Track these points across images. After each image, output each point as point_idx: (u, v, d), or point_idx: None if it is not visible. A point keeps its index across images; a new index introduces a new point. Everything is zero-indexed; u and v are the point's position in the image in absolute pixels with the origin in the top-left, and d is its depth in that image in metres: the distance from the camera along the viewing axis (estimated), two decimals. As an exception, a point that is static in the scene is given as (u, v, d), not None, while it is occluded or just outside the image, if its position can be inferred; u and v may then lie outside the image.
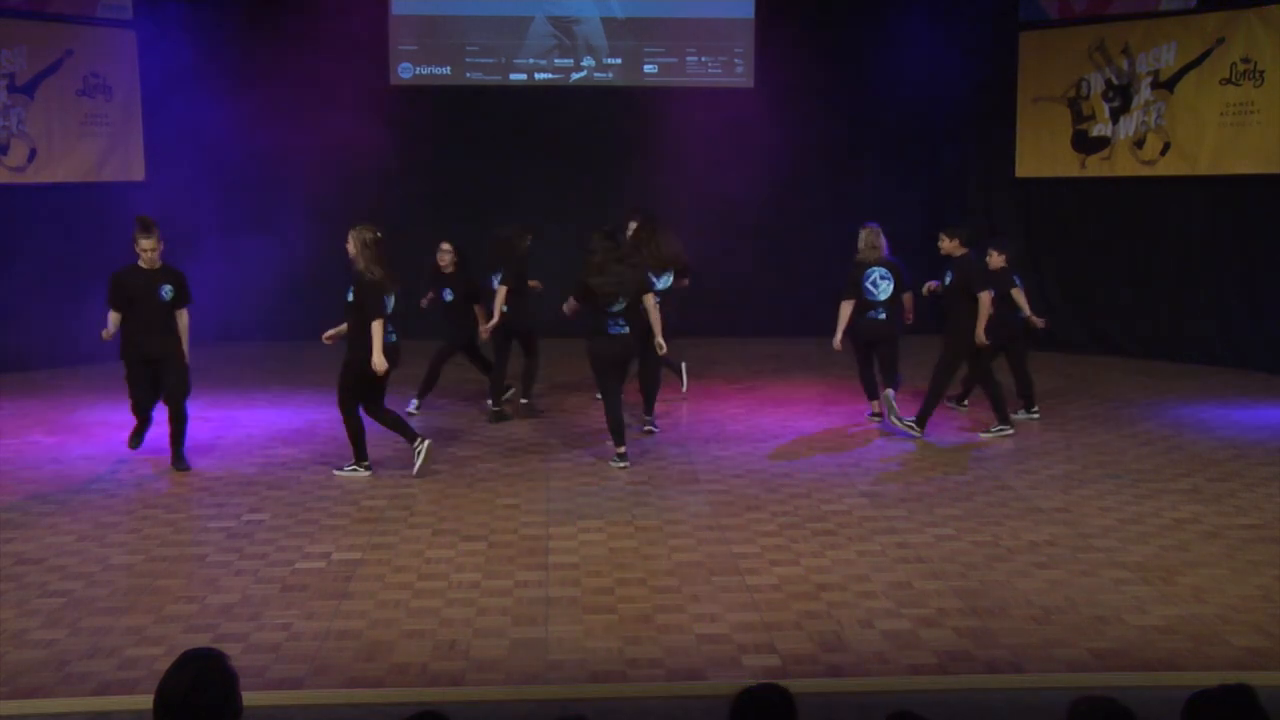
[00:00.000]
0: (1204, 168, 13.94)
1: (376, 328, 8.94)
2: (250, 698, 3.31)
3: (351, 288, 9.05)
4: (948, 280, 10.60)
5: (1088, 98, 14.73)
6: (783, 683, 3.53)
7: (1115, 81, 14.53)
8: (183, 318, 9.37)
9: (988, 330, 10.41)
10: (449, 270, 11.12)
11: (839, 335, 10.78)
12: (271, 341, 14.96)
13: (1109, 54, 14.54)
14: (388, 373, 9.04)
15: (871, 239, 10.91)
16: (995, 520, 8.15)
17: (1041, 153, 15.16)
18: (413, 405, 11.29)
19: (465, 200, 15.30)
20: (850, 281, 10.85)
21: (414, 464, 9.27)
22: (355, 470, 9.31)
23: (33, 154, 13.94)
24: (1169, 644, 6.13)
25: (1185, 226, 14.35)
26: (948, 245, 10.60)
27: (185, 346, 9.38)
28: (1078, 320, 15.12)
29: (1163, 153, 14.22)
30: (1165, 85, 14.13)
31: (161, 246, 9.25)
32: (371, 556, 7.47)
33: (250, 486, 8.93)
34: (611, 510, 8.46)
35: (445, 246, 11.15)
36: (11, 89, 13.74)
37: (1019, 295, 11.03)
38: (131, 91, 14.60)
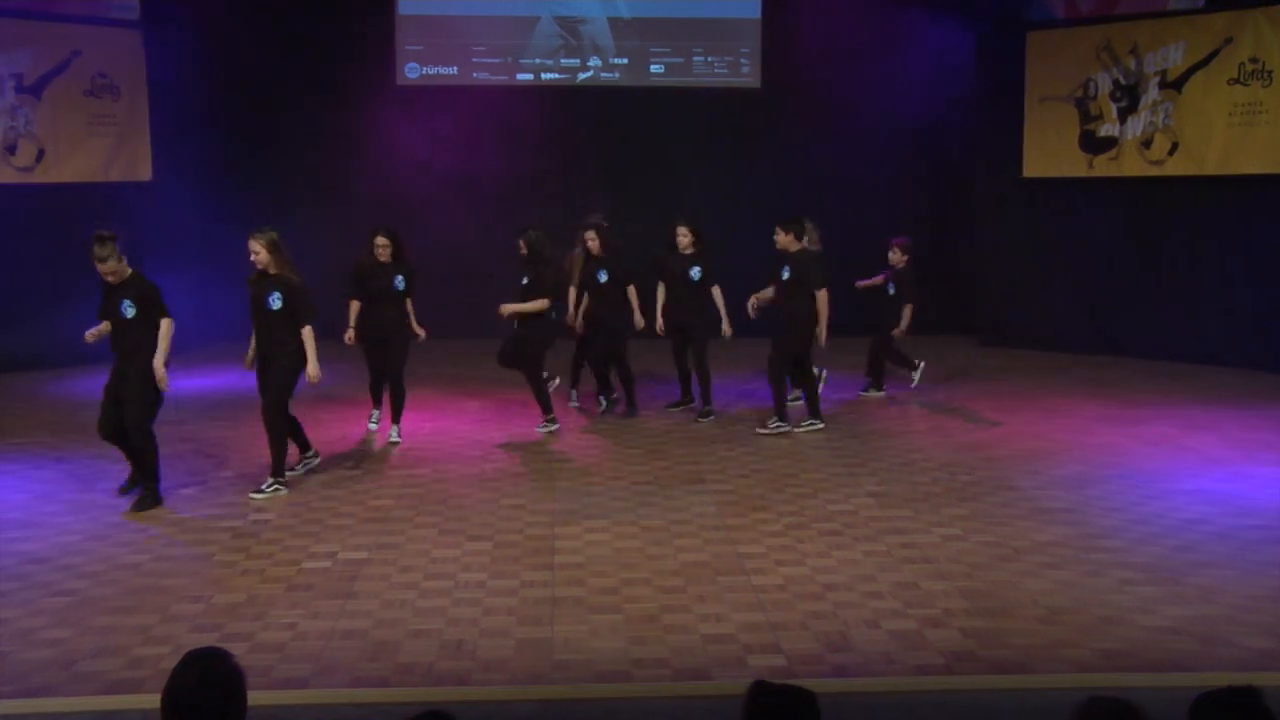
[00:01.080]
0: (1212, 168, 13.91)
1: (308, 333, 8.76)
2: (255, 697, 3.31)
3: (279, 293, 8.74)
4: (785, 276, 10.57)
5: (1095, 98, 14.71)
6: (791, 682, 3.52)
7: (1123, 81, 14.51)
8: (164, 330, 8.41)
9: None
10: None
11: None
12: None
13: (1116, 54, 14.51)
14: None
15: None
16: (1002, 521, 8.14)
17: (1049, 153, 15.13)
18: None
19: (471, 200, 15.31)
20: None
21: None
22: (308, 460, 9.37)
23: (40, 154, 13.99)
24: (1177, 645, 6.11)
25: (1195, 226, 14.33)
26: (784, 240, 10.61)
27: (159, 356, 8.39)
28: (1085, 320, 15.09)
29: (1171, 153, 14.20)
30: (1173, 85, 14.10)
31: (121, 259, 8.33)
32: (377, 556, 7.47)
33: (255, 486, 8.92)
34: (617, 510, 8.46)
35: (590, 234, 11.20)
36: (19, 89, 13.78)
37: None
38: (138, 92, 14.64)
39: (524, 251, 10.55)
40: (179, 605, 6.65)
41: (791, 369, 10.86)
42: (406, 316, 10.41)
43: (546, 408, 10.68)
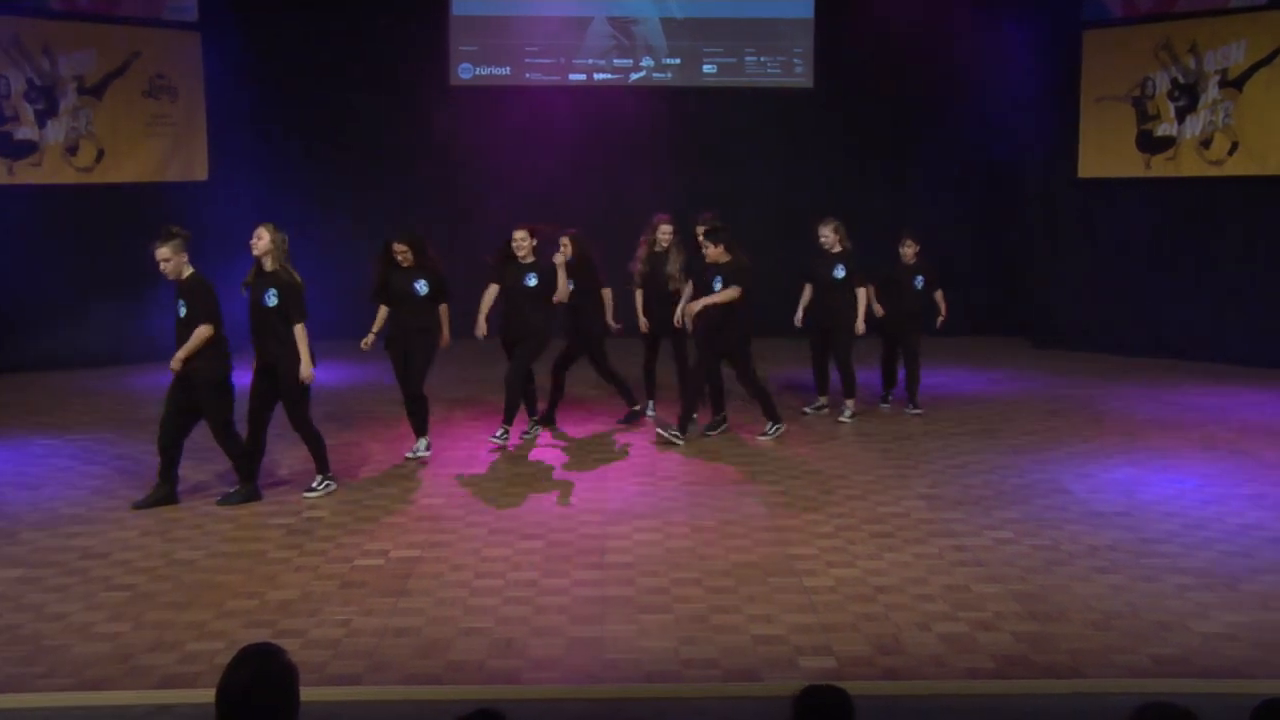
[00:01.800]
0: (1274, 167, 13.72)
1: (300, 331, 8.55)
2: (308, 693, 3.34)
3: (275, 290, 8.53)
4: (717, 286, 10.16)
5: (1153, 97, 14.55)
6: (839, 684, 3.52)
7: (1181, 80, 14.34)
8: (198, 332, 8.37)
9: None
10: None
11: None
12: (332, 339, 15.07)
13: (1175, 52, 14.35)
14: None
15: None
16: (1054, 524, 8.07)
17: (1105, 153, 14.99)
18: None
19: (524, 199, 15.34)
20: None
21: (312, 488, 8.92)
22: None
23: (100, 154, 14.19)
24: (1233, 651, 6.04)
25: (1253, 227, 14.14)
26: (713, 252, 10.24)
27: (175, 363, 8.40)
28: (1140, 322, 14.92)
29: (1230, 152, 14.02)
30: (1234, 84, 13.93)
31: (180, 257, 8.40)
32: (429, 554, 7.52)
33: (307, 484, 8.99)
34: (668, 510, 8.46)
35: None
36: (81, 91, 14.01)
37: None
38: (195, 92, 14.81)
39: (570, 252, 10.40)
40: (233, 601, 6.72)
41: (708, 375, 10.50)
42: (432, 324, 9.76)
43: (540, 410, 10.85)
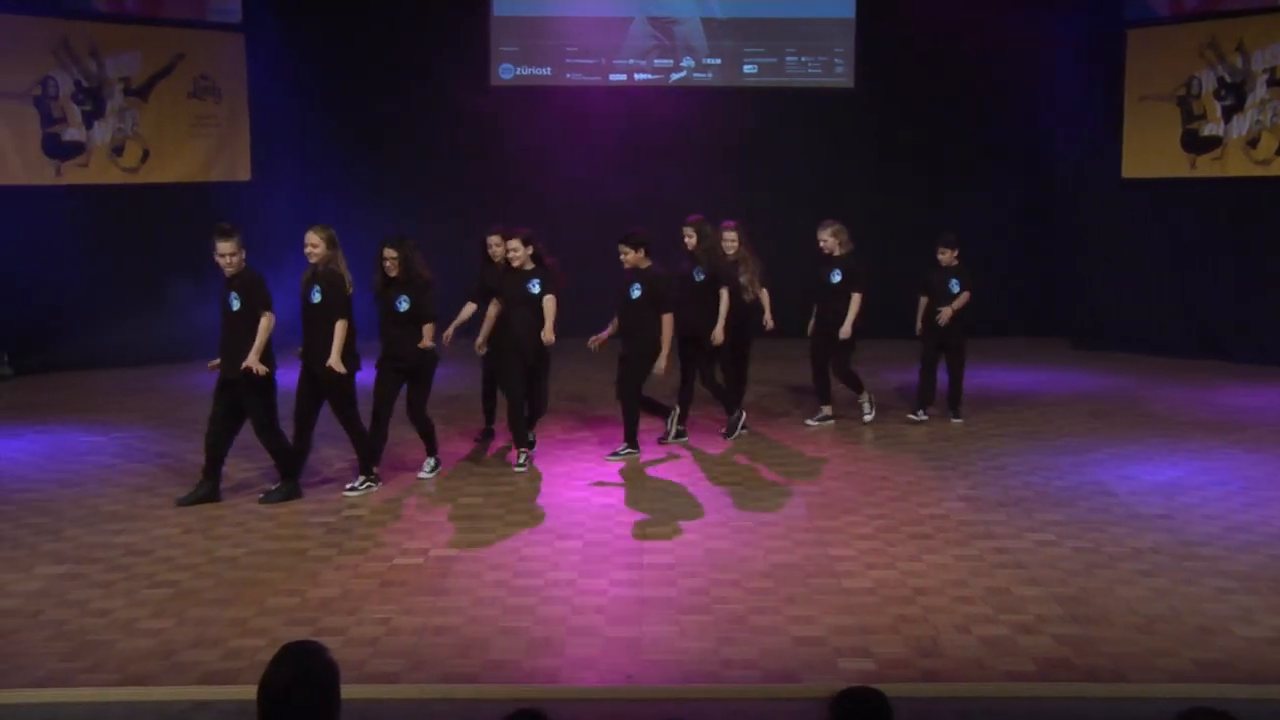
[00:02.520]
0: (1322, 168, 13.58)
1: (341, 327, 8.55)
2: (348, 691, 3.36)
3: (319, 286, 8.63)
4: (635, 294, 9.74)
5: (1199, 96, 14.41)
6: (878, 687, 3.50)
7: (1228, 79, 14.19)
8: (260, 324, 8.41)
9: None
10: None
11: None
12: (375, 339, 15.14)
13: (1221, 51, 14.20)
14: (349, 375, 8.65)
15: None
16: (1096, 526, 8.01)
17: (1149, 153, 14.84)
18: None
19: (565, 200, 15.36)
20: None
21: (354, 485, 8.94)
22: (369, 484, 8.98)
23: (145, 155, 14.34)
24: (1278, 656, 5.97)
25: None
26: (633, 257, 9.74)
27: (254, 354, 8.35)
28: (1184, 324, 14.77)
29: (1278, 151, 13.86)
30: (1281, 83, 13.78)
31: (241, 254, 8.50)
32: (468, 553, 7.54)
33: (350, 482, 9.03)
34: (707, 511, 8.45)
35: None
36: (127, 92, 14.16)
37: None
38: (239, 93, 14.93)
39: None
40: (274, 599, 6.77)
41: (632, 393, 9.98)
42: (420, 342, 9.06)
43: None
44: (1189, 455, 9.90)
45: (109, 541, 7.78)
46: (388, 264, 8.96)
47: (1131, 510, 8.37)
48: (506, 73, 16.10)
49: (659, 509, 8.51)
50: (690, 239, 10.38)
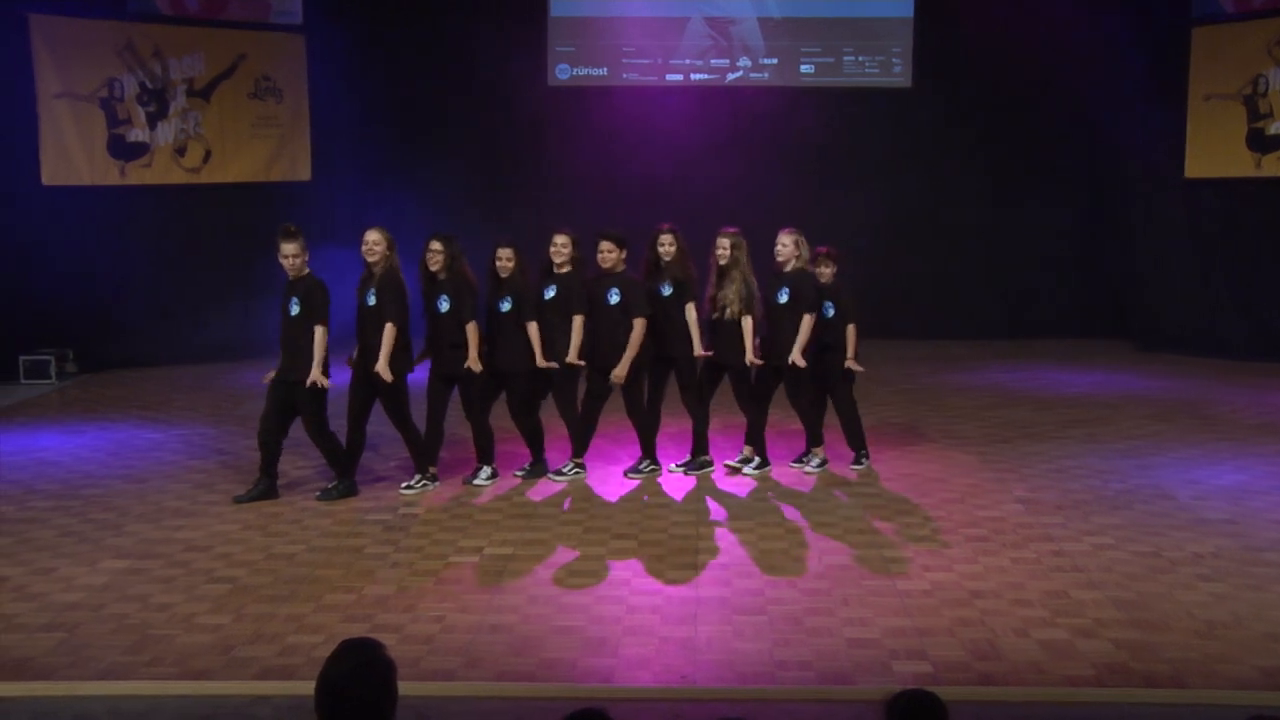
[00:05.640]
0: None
1: (389, 331, 8.53)
2: (405, 688, 3.38)
3: (374, 289, 8.64)
4: (613, 300, 9.03)
5: (1265, 95, 14.18)
6: (934, 689, 3.48)
7: (1295, 78, 13.98)
8: (315, 335, 8.49)
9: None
10: None
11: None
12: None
13: (1288, 49, 13.98)
14: (394, 380, 8.57)
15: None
16: (1157, 530, 7.91)
17: (1213, 152, 14.62)
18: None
19: (621, 200, 15.37)
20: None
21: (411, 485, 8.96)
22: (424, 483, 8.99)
23: (207, 155, 14.51)
24: (1344, 664, 5.88)
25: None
26: (613, 258, 9.11)
27: (315, 367, 8.45)
28: (1249, 326, 14.56)
29: (1344, 152, 13.64)
30: (1348, 81, 13.55)
31: (304, 255, 8.59)
32: (523, 552, 7.57)
33: (406, 480, 9.09)
34: (762, 511, 8.43)
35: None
36: (190, 93, 14.33)
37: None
38: (300, 94, 15.06)
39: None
40: (331, 595, 6.82)
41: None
42: (464, 347, 8.87)
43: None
44: (1254, 459, 9.74)
45: (170, 537, 7.88)
46: (430, 256, 8.89)
47: (1194, 514, 8.26)
48: (563, 73, 16.14)
49: (714, 509, 8.51)
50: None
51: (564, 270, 9.10)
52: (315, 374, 8.44)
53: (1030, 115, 15.77)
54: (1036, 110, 15.75)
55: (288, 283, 8.65)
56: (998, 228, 16.02)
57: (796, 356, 9.08)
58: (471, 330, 8.86)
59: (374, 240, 8.72)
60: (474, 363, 8.83)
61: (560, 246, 9.10)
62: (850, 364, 9.31)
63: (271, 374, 8.76)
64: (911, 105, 15.95)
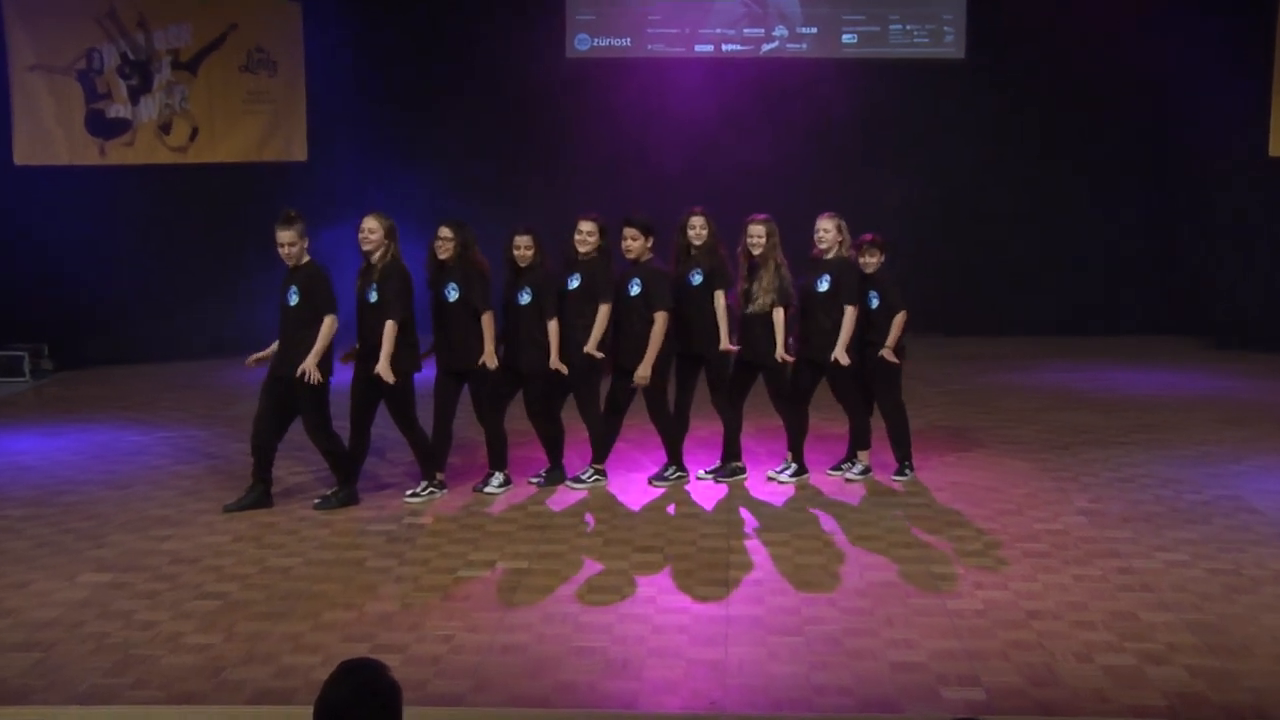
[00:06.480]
0: None
1: (390, 328, 8.53)
2: (409, 713, 3.39)
3: (375, 283, 8.64)
4: (634, 292, 9.08)
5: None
6: (986, 718, 3.48)
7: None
8: (323, 325, 8.51)
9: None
10: None
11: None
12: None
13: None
14: (396, 383, 8.58)
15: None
16: (1237, 546, 7.87)
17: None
18: None
19: (645, 183, 15.38)
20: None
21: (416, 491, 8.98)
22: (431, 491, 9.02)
23: (194, 133, 14.56)
24: None
25: None
26: (638, 246, 9.07)
27: (312, 357, 8.43)
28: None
29: None
30: None
31: (303, 243, 8.60)
32: (539, 566, 7.58)
33: (412, 488, 9.12)
34: (799, 523, 8.43)
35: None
36: (175, 65, 14.36)
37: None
38: (296, 67, 15.10)
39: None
40: (330, 613, 6.85)
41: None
42: (476, 340, 8.89)
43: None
44: (1341, 467, 9.72)
45: (155, 549, 7.93)
46: (439, 245, 8.89)
47: (1277, 528, 8.22)
48: (583, 44, 16.15)
49: (746, 520, 8.51)
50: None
51: (589, 259, 9.08)
52: (309, 363, 8.40)
53: (1094, 89, 15.70)
54: (1101, 84, 15.67)
55: (287, 271, 8.68)
56: (1057, 213, 15.98)
57: (840, 354, 9.09)
58: (487, 321, 8.88)
59: (370, 228, 8.71)
60: (489, 358, 8.85)
61: (586, 235, 9.06)
62: (885, 353, 9.23)
63: (255, 357, 8.75)
64: (964, 79, 15.91)
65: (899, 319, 9.25)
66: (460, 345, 8.91)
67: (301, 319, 8.53)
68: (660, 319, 9.02)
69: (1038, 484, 9.35)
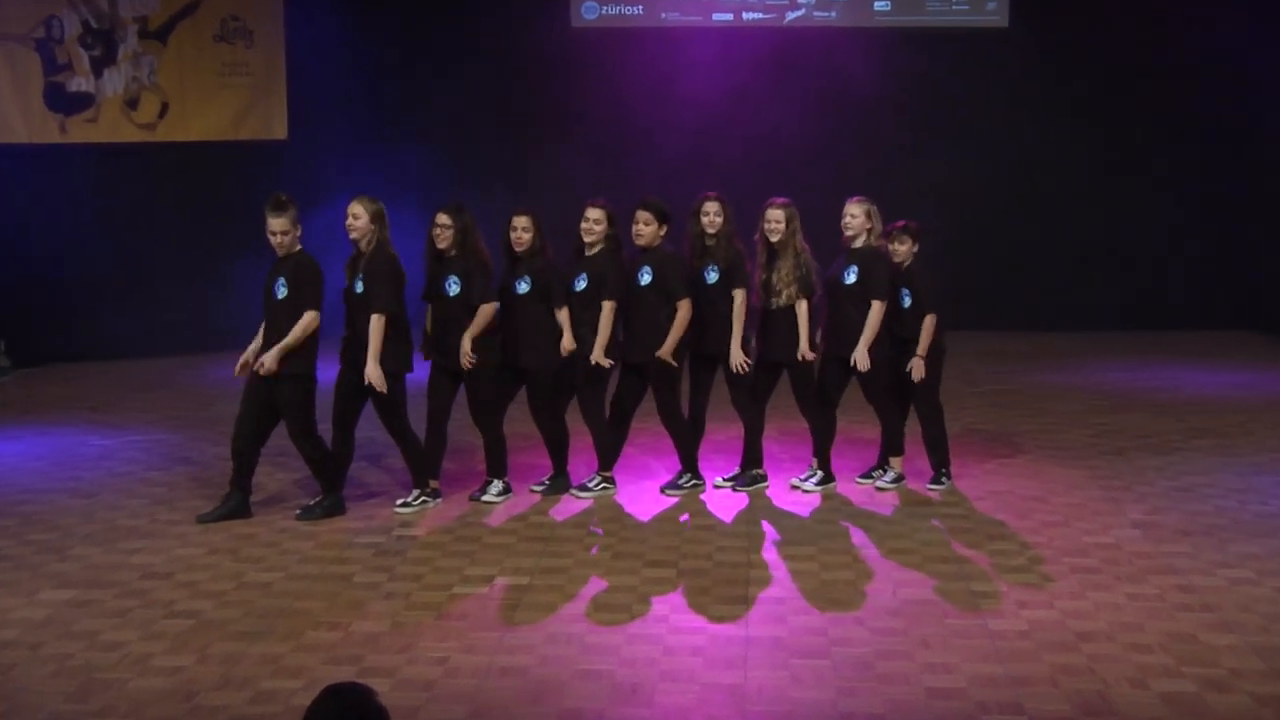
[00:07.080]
0: None
1: (377, 323, 8.54)
2: (400, 740, 3.40)
3: (361, 274, 8.66)
4: (644, 280, 9.10)
5: None
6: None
7: None
8: (301, 320, 8.53)
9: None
10: None
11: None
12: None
13: None
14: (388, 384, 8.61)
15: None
16: (1305, 562, 7.89)
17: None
18: None
19: (658, 164, 15.40)
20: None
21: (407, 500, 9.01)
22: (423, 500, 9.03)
23: (164, 109, 14.55)
24: None
25: None
26: (649, 232, 9.10)
27: (274, 350, 8.47)
28: None
29: None
30: None
31: (295, 231, 8.61)
32: (541, 581, 7.60)
33: (403, 496, 9.14)
34: (825, 535, 8.44)
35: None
36: (143, 35, 14.36)
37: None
38: (275, 37, 15.09)
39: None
40: (313, 632, 6.86)
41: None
42: (484, 336, 8.93)
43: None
44: None
45: (123, 562, 7.95)
46: (437, 232, 8.89)
47: (1348, 542, 8.23)
48: (590, 12, 16.16)
49: (767, 532, 8.52)
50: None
51: (597, 251, 9.09)
52: (269, 357, 8.40)
53: (1153, 60, 15.67)
54: (1161, 53, 15.63)
55: (275, 261, 8.70)
56: (1111, 197, 15.96)
57: (861, 355, 9.06)
58: (486, 312, 8.86)
59: (355, 213, 8.71)
60: (466, 357, 8.79)
61: (593, 223, 9.05)
62: (915, 363, 9.21)
63: (243, 362, 8.76)
64: (1008, 49, 15.90)
65: (929, 323, 9.21)
66: (459, 343, 8.91)
67: (290, 313, 8.54)
68: (684, 307, 9.00)
69: (1087, 493, 9.35)
